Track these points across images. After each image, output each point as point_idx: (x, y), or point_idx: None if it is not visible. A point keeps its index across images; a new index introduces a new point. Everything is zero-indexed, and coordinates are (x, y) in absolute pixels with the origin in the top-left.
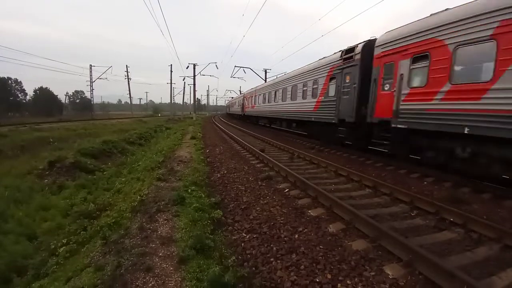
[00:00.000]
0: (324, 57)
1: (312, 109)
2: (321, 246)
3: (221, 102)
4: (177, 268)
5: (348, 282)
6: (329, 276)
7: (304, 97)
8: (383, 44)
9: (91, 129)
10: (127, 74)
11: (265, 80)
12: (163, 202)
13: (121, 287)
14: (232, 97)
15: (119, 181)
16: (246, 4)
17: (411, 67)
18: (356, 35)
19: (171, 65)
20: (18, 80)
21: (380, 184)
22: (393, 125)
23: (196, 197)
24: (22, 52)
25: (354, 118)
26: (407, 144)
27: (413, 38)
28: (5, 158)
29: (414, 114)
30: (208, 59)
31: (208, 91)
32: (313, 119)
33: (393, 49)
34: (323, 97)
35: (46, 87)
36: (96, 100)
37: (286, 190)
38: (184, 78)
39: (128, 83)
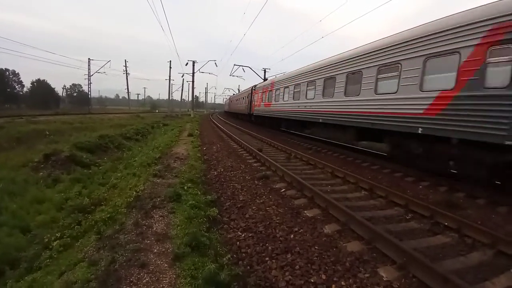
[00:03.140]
0: (452, 14)
1: (419, 112)
2: (316, 247)
3: (219, 100)
4: (172, 265)
5: (343, 283)
6: (323, 277)
7: (382, 90)
8: None
9: (87, 123)
10: (126, 69)
11: (264, 79)
12: (159, 199)
13: (115, 282)
14: (231, 94)
15: (115, 176)
16: (248, 2)
17: None
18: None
19: (170, 61)
20: (16, 72)
21: (376, 187)
22: None
23: (192, 195)
24: (20, 43)
25: None
26: None
27: None
28: (0, 150)
29: None
30: (207, 57)
31: (206, 88)
32: (420, 131)
33: None
34: (460, 91)
35: (44, 80)
36: (94, 94)
37: (283, 190)
38: (183, 75)
39: (127, 78)
